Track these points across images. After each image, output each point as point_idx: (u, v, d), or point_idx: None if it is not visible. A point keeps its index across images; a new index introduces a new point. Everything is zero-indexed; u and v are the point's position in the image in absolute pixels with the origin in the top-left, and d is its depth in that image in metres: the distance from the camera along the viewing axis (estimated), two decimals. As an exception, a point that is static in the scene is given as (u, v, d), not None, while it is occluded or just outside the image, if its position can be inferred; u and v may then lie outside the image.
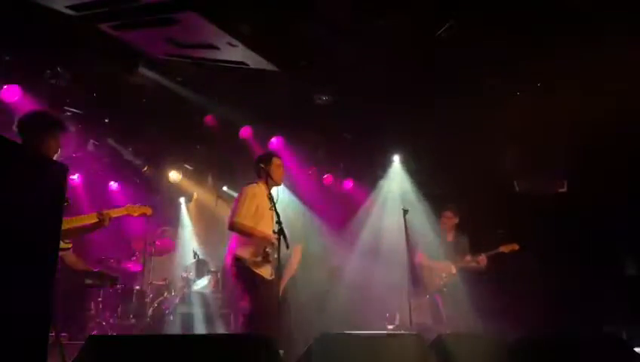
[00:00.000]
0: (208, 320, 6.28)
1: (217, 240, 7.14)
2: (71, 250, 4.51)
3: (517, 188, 7.18)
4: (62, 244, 3.60)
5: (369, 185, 8.04)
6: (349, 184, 8.49)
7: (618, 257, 6.71)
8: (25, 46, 5.38)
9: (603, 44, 5.05)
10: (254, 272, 4.45)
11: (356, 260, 7.26)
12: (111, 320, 5.86)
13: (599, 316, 6.34)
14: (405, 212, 5.60)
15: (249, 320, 4.39)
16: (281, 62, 5.74)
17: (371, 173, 8.04)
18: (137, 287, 6.36)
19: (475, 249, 6.15)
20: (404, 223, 5.55)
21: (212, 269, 7.02)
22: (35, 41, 5.29)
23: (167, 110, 6.78)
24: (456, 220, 6.34)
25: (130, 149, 7.29)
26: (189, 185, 8.20)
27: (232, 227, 4.52)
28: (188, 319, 6.16)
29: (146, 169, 7.67)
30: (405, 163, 7.81)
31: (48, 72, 5.93)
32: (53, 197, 1.93)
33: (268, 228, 4.46)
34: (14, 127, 3.57)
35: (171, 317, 6.20)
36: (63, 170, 2.03)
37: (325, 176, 8.34)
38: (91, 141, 6.86)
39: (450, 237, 6.35)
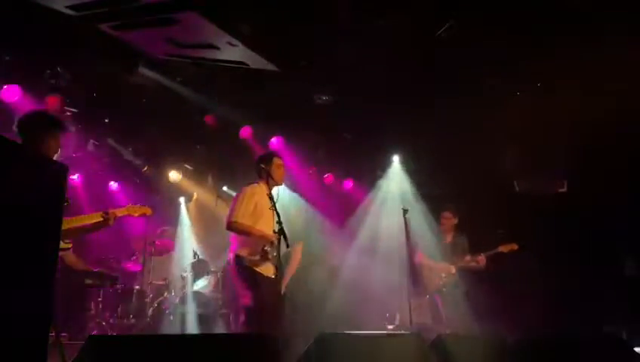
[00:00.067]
0: (208, 320, 6.28)
1: (217, 240, 7.14)
2: (71, 250, 4.51)
3: (517, 188, 7.18)
4: (62, 244, 3.60)
5: (369, 185, 8.04)
6: (349, 184, 8.49)
7: (618, 257, 6.71)
8: (25, 46, 5.39)
9: (603, 44, 5.05)
10: (255, 271, 4.45)
11: (356, 260, 7.26)
12: (111, 320, 5.86)
13: (599, 316, 6.34)
14: (405, 211, 5.60)
15: (250, 318, 4.39)
16: (281, 62, 5.74)
17: (371, 173, 8.04)
18: (137, 287, 6.35)
19: (475, 249, 6.15)
20: (405, 223, 5.55)
21: (212, 269, 7.01)
22: (35, 41, 5.29)
23: (167, 110, 6.78)
24: (455, 220, 6.34)
25: (130, 149, 7.30)
26: (189, 185, 8.20)
27: (230, 227, 4.53)
28: (188, 319, 6.16)
29: (146, 169, 7.67)
30: (405, 163, 7.81)
31: (48, 72, 5.94)
32: (53, 197, 1.93)
33: (267, 227, 4.47)
34: (14, 127, 3.57)
35: (171, 317, 6.20)
36: (63, 170, 2.03)
37: (325, 175, 8.35)
38: (91, 141, 6.86)
39: (449, 237, 6.35)
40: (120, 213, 4.11)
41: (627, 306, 6.29)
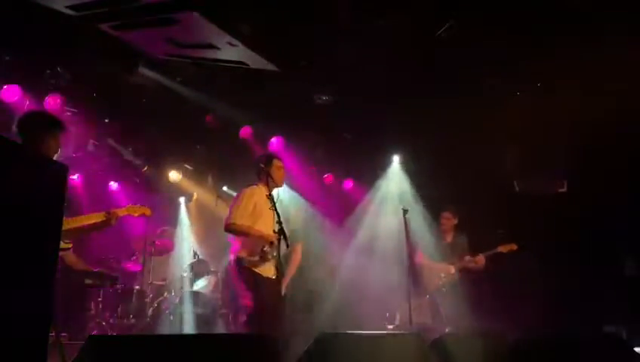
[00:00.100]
0: (208, 320, 6.27)
1: (217, 240, 7.14)
2: (71, 250, 4.51)
3: (517, 188, 7.18)
4: (62, 244, 3.60)
5: (369, 185, 8.04)
6: (348, 184, 8.49)
7: (618, 257, 6.71)
8: (25, 46, 5.39)
9: (603, 44, 5.05)
10: (254, 272, 4.45)
11: (356, 260, 7.25)
12: (111, 320, 5.86)
13: (599, 316, 6.34)
14: (405, 212, 5.60)
15: (251, 319, 4.38)
16: (281, 62, 5.74)
17: (371, 173, 8.04)
18: (137, 287, 6.35)
19: (475, 249, 6.15)
20: (405, 223, 5.55)
21: (212, 269, 7.01)
22: (35, 41, 5.29)
23: (167, 110, 6.78)
24: (455, 221, 6.34)
25: (130, 149, 7.29)
26: (189, 185, 8.20)
27: (228, 228, 4.54)
28: (188, 319, 6.16)
29: (145, 169, 7.67)
30: (405, 163, 7.81)
31: (48, 72, 5.94)
32: (53, 197, 1.93)
33: (267, 227, 4.47)
34: (14, 127, 3.57)
35: (171, 317, 6.20)
36: (63, 170, 2.03)
37: (325, 175, 8.35)
38: (91, 141, 6.86)
39: (449, 237, 6.35)
40: (120, 213, 4.14)
41: (627, 306, 6.29)
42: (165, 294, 6.60)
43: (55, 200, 1.93)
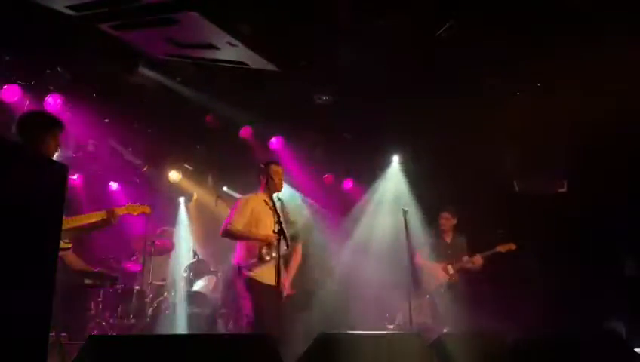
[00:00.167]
0: (208, 320, 6.28)
1: (217, 241, 7.12)
2: (71, 250, 4.51)
3: (517, 188, 7.18)
4: (62, 244, 3.61)
5: (369, 185, 8.04)
6: (348, 184, 8.49)
7: (618, 257, 6.71)
8: (25, 46, 5.39)
9: (603, 44, 5.05)
10: (254, 279, 4.51)
11: (356, 260, 7.25)
12: (111, 320, 5.85)
13: (599, 316, 6.34)
14: (405, 212, 5.60)
15: (251, 327, 4.44)
16: (281, 62, 5.75)
17: (371, 173, 8.04)
18: (137, 287, 6.34)
19: (475, 249, 6.16)
20: (405, 223, 5.55)
21: (212, 269, 7.02)
22: (35, 41, 5.29)
23: (167, 110, 6.78)
24: (454, 221, 6.34)
25: (130, 149, 7.29)
26: (189, 185, 8.20)
27: (224, 233, 4.64)
28: (188, 319, 6.15)
29: (145, 169, 7.67)
30: (405, 163, 7.81)
31: (48, 71, 5.94)
32: (53, 197, 1.92)
33: (267, 231, 4.53)
34: (13, 128, 3.56)
35: (171, 317, 6.20)
36: (63, 170, 2.02)
37: (325, 176, 8.35)
38: (91, 141, 6.86)
39: (448, 238, 6.35)
40: (120, 211, 4.15)
41: (627, 306, 6.28)
42: (165, 294, 6.60)
43: (55, 200, 1.93)
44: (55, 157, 3.62)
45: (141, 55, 5.77)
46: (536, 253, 6.42)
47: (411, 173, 7.64)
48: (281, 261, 4.36)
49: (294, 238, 5.05)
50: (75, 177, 7.12)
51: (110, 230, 4.56)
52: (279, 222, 4.30)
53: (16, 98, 5.73)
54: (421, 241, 6.37)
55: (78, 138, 6.60)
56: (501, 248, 6.05)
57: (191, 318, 6.16)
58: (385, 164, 7.93)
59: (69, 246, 3.94)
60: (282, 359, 2.66)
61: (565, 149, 6.47)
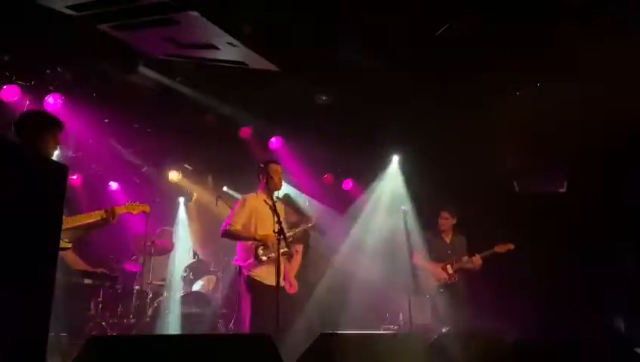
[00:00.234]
0: (208, 320, 6.28)
1: (217, 241, 7.13)
2: (71, 249, 4.52)
3: (517, 188, 7.18)
4: (62, 244, 3.61)
5: (368, 185, 8.04)
6: (348, 184, 8.50)
7: (618, 257, 6.70)
8: (25, 46, 5.38)
9: (604, 44, 5.05)
10: (253, 279, 4.56)
11: (356, 260, 7.25)
12: (111, 320, 5.85)
13: (599, 316, 6.33)
14: (405, 212, 5.60)
15: (250, 325, 4.47)
16: (281, 62, 5.74)
17: (371, 173, 8.04)
18: (137, 287, 6.35)
19: (475, 249, 6.16)
20: (404, 223, 5.56)
21: (212, 269, 7.02)
22: (35, 41, 5.28)
23: (167, 110, 6.78)
24: (453, 221, 6.34)
25: (130, 149, 7.30)
26: (189, 185, 8.20)
27: (224, 235, 4.71)
28: (188, 319, 6.16)
29: (145, 169, 7.68)
30: (405, 163, 7.81)
31: (48, 71, 5.94)
32: (53, 197, 1.92)
33: (266, 231, 4.57)
34: (12, 128, 3.56)
35: (171, 317, 6.20)
36: (63, 170, 2.02)
37: (325, 175, 8.35)
38: (91, 141, 6.86)
39: (447, 238, 6.35)
40: (120, 210, 4.15)
41: (627, 306, 6.28)
42: (165, 294, 6.60)
43: (55, 200, 1.93)
44: (55, 157, 3.61)
45: (141, 55, 5.77)
46: (537, 253, 6.41)
47: (411, 173, 7.64)
48: (282, 260, 4.37)
49: (300, 240, 5.11)
50: (75, 177, 7.12)
51: (110, 230, 4.57)
52: (279, 222, 4.31)
53: (16, 98, 5.73)
54: (420, 241, 6.38)
55: (78, 138, 6.60)
56: (499, 248, 6.06)
57: (191, 318, 6.17)
58: (385, 164, 7.93)
59: (69, 246, 3.94)
60: (282, 359, 2.66)
61: (565, 149, 6.47)
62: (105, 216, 3.97)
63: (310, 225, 5.20)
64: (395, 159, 7.88)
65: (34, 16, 4.85)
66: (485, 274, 6.17)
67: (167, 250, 7.09)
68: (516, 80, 6.20)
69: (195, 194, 8.42)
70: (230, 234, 4.69)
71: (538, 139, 6.42)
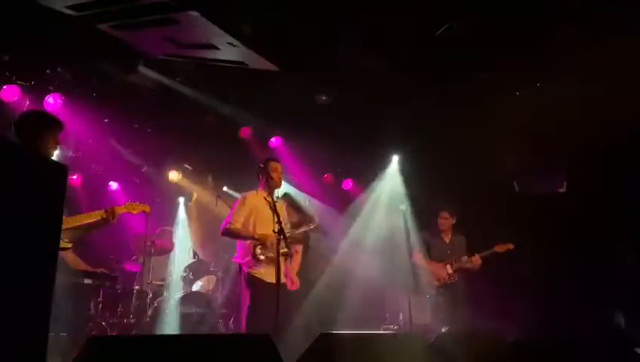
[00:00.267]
0: (208, 320, 6.27)
1: (217, 241, 7.14)
2: (71, 249, 4.52)
3: (517, 188, 7.18)
4: (62, 244, 3.61)
5: (368, 185, 8.04)
6: (348, 184, 8.50)
7: (618, 257, 6.70)
8: (25, 46, 5.38)
9: (604, 44, 5.05)
10: (253, 275, 4.59)
11: (356, 260, 7.25)
12: (111, 320, 5.85)
13: (599, 316, 6.33)
14: (405, 212, 5.61)
15: (249, 321, 4.49)
16: (281, 62, 5.75)
17: (371, 173, 8.04)
18: (137, 287, 6.34)
19: (475, 249, 6.16)
20: (404, 223, 5.56)
21: (212, 269, 7.01)
22: (35, 41, 5.28)
23: (167, 110, 6.78)
24: (452, 221, 6.35)
25: (130, 149, 7.30)
26: (189, 185, 8.20)
27: (224, 233, 4.76)
28: (188, 319, 6.16)
29: (145, 169, 7.68)
30: (405, 163, 7.81)
31: (48, 71, 5.94)
32: (53, 197, 1.93)
33: (266, 229, 4.57)
34: (12, 128, 3.56)
35: (171, 317, 6.20)
36: (63, 170, 2.02)
37: (325, 175, 8.35)
38: (91, 141, 6.86)
39: (447, 237, 6.35)
40: (120, 210, 4.15)
41: (627, 306, 6.28)
42: (165, 294, 6.60)
43: (55, 200, 1.93)
44: (55, 157, 3.62)
45: (141, 55, 5.77)
46: (536, 253, 6.41)
47: (411, 173, 7.64)
48: (283, 259, 4.38)
49: (299, 240, 5.12)
50: (74, 177, 7.11)
51: (110, 230, 4.58)
52: (279, 222, 4.31)
53: (16, 98, 5.73)
54: (420, 241, 6.38)
55: (78, 138, 6.60)
56: (499, 248, 6.06)
57: (191, 318, 6.17)
58: (385, 164, 7.93)
59: (69, 245, 3.94)
60: (282, 359, 2.66)
61: (565, 149, 6.47)
62: (105, 216, 3.98)
63: (313, 226, 5.20)
64: (395, 159, 7.88)
65: (34, 16, 4.85)
66: (485, 274, 6.17)
67: (167, 249, 7.09)
68: (516, 80, 6.20)
69: (195, 194, 8.42)
70: (230, 233, 4.73)
71: (538, 139, 6.42)
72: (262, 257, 4.53)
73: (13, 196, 1.73)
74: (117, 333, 5.67)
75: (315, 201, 7.74)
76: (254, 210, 4.72)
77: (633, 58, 5.11)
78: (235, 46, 5.33)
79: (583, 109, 5.65)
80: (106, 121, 6.72)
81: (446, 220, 6.33)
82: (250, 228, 4.69)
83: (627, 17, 4.90)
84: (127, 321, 5.97)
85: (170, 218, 8.07)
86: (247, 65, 5.77)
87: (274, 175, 4.79)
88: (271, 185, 4.76)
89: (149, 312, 6.22)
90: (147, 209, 4.53)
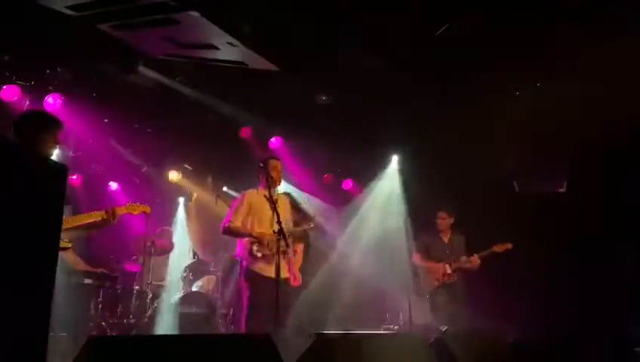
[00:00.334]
0: (208, 320, 6.28)
1: (217, 241, 7.14)
2: (71, 249, 4.52)
3: (517, 188, 7.18)
4: (62, 244, 3.61)
5: (368, 185, 8.04)
6: (348, 184, 8.50)
7: (618, 257, 6.70)
8: (25, 46, 5.38)
9: (604, 44, 5.05)
10: (252, 270, 4.61)
11: (356, 260, 7.25)
12: (111, 321, 5.85)
13: (599, 316, 6.33)
14: (404, 212, 5.61)
15: (249, 315, 4.51)
16: (281, 62, 5.75)
17: (370, 173, 8.04)
18: (137, 287, 6.35)
19: (475, 249, 6.15)
20: (404, 223, 5.56)
21: (211, 269, 7.02)
22: (35, 41, 5.29)
23: (167, 110, 6.78)
24: (451, 220, 6.34)
25: (130, 149, 7.30)
26: (189, 185, 8.21)
27: (224, 232, 4.81)
28: (188, 319, 6.16)
29: (145, 169, 7.68)
30: (404, 163, 7.81)
31: (48, 71, 5.94)
32: (53, 197, 1.93)
33: (263, 227, 4.64)
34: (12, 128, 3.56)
35: (171, 317, 6.20)
36: (63, 170, 2.02)
37: (325, 175, 8.35)
38: (91, 141, 6.86)
39: (445, 237, 6.35)
40: (120, 211, 4.15)
41: (627, 306, 6.28)
42: (165, 294, 6.60)
43: (55, 200, 1.93)
44: (55, 156, 3.61)
45: (141, 55, 5.77)
46: (536, 253, 6.41)
47: (411, 173, 7.64)
48: (282, 257, 4.39)
49: (300, 239, 5.13)
50: (74, 177, 7.11)
51: (110, 230, 4.57)
52: (279, 222, 4.32)
53: (16, 98, 5.73)
54: (419, 241, 6.39)
55: (78, 138, 6.60)
56: (498, 248, 6.06)
57: (190, 318, 6.17)
58: (384, 164, 7.93)
59: (69, 245, 3.94)
60: (282, 359, 2.66)
61: (565, 149, 6.47)
62: (105, 217, 3.98)
63: (312, 225, 5.22)
64: (395, 159, 7.88)
65: (34, 16, 4.85)
66: (486, 274, 6.17)
67: (166, 250, 7.09)
68: (516, 80, 6.20)
69: (194, 195, 8.43)
70: (230, 231, 4.77)
71: (538, 139, 6.42)
72: (258, 254, 4.58)
73: (13, 196, 1.73)
74: (117, 333, 5.68)
75: (315, 201, 7.75)
76: (253, 208, 4.75)
77: (633, 58, 5.10)
78: (235, 46, 5.33)
79: (583, 109, 5.64)
80: (106, 121, 6.73)
81: (444, 220, 6.33)
82: (249, 226, 4.72)
83: (627, 17, 4.89)
84: (127, 321, 5.97)
85: (170, 218, 8.07)
86: (247, 65, 5.77)
87: (274, 173, 4.81)
88: (270, 184, 4.76)
89: (149, 312, 6.22)
90: (147, 210, 4.52)
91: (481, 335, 4.07)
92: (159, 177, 7.81)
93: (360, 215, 7.79)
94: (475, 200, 6.68)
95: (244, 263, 4.69)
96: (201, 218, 8.38)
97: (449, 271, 6.11)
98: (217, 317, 6.39)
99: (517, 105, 6.31)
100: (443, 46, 5.36)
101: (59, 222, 2.06)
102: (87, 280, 5.71)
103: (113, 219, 4.02)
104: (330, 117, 7.00)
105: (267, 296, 4.22)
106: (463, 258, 6.10)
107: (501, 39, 5.30)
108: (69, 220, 3.80)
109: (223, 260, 6.92)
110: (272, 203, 4.49)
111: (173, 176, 7.81)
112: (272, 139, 7.68)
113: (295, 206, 6.16)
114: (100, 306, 5.84)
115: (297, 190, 7.46)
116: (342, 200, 8.27)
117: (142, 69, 5.92)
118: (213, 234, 7.62)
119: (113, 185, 7.83)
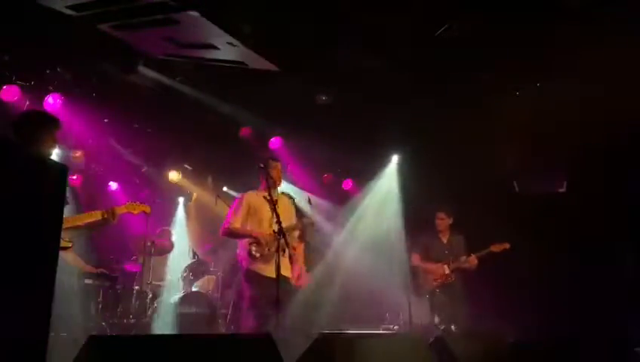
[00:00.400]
0: (208, 320, 6.28)
1: (217, 241, 7.14)
2: (71, 249, 4.52)
3: (517, 188, 7.18)
4: (62, 243, 3.61)
5: (368, 185, 8.04)
6: (348, 184, 8.50)
7: (618, 257, 6.70)
8: (25, 46, 5.38)
9: (604, 44, 5.05)
10: (253, 270, 4.63)
11: (356, 260, 7.25)
12: (111, 321, 5.85)
13: (599, 316, 6.33)
14: (405, 212, 5.61)
15: (247, 313, 4.55)
16: (281, 62, 5.75)
17: (370, 173, 8.04)
18: (137, 287, 6.34)
19: (475, 249, 6.15)
20: (403, 223, 5.56)
21: (212, 269, 7.02)
22: (35, 41, 5.29)
23: (167, 110, 6.78)
24: (450, 221, 6.34)
25: (130, 149, 7.30)
26: (189, 185, 8.21)
27: (223, 233, 4.84)
28: (188, 319, 6.16)
29: (145, 169, 7.68)
30: (404, 163, 7.81)
31: (48, 71, 5.94)
32: (53, 197, 1.93)
33: (263, 227, 4.66)
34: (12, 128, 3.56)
35: (171, 317, 6.20)
36: (63, 170, 2.02)
37: (325, 175, 8.35)
38: (91, 141, 6.86)
39: (444, 237, 6.35)
40: (120, 210, 4.16)
41: (627, 306, 6.28)
42: (165, 294, 6.60)
43: (55, 200, 1.93)
44: (55, 156, 3.62)
45: (141, 55, 5.77)
46: (536, 253, 6.41)
47: (411, 173, 7.64)
48: (283, 257, 4.39)
49: (299, 237, 5.12)
50: (74, 177, 7.11)
51: (110, 230, 4.58)
52: (278, 222, 4.32)
53: (16, 98, 5.72)
54: (419, 242, 6.38)
55: (78, 138, 6.60)
56: (495, 248, 6.05)
57: (190, 318, 6.16)
58: (384, 164, 7.93)
59: (69, 245, 3.94)
60: (282, 359, 2.66)
61: (565, 149, 6.47)
62: (105, 217, 3.99)
63: (311, 222, 5.22)
64: (395, 159, 7.88)
65: (34, 16, 4.85)
66: (485, 274, 6.17)
67: (166, 250, 7.09)
68: (516, 80, 6.20)
69: (194, 195, 8.43)
70: (230, 233, 4.79)
71: (538, 139, 6.42)
72: (257, 255, 4.58)
73: (13, 196, 1.73)
74: (117, 333, 5.67)
75: (315, 200, 7.74)
76: (252, 209, 4.77)
77: (633, 58, 5.10)
78: (234, 46, 5.33)
79: (583, 109, 5.65)
80: (106, 121, 6.73)
81: (443, 220, 6.33)
82: (248, 226, 4.73)
83: (627, 17, 4.90)
84: (127, 321, 5.97)
85: (170, 218, 8.07)
86: (247, 65, 5.77)
87: (273, 174, 4.82)
88: (270, 184, 4.76)
89: (149, 312, 6.22)
90: (147, 209, 4.53)
91: (481, 336, 4.07)
92: (159, 177, 7.81)
93: (359, 215, 7.79)
94: (474, 200, 6.68)
95: (244, 264, 4.70)
96: (201, 218, 8.38)
97: (447, 271, 6.11)
98: (217, 317, 6.39)
99: (517, 105, 6.31)
100: (443, 46, 5.36)
101: (59, 221, 2.06)
102: (87, 280, 5.71)
103: (113, 219, 4.03)
104: (330, 117, 7.00)
105: (268, 295, 4.23)
106: (462, 258, 6.10)
107: (501, 39, 5.30)
108: (69, 220, 3.81)
109: (223, 260, 6.91)
110: (272, 204, 4.49)
111: (173, 176, 7.81)
112: (272, 139, 7.67)
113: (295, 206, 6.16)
114: (100, 306, 5.84)
115: (297, 190, 7.46)
116: (342, 201, 8.27)
117: (142, 69, 5.92)
118: (213, 234, 7.62)
119: (113, 185, 7.83)
